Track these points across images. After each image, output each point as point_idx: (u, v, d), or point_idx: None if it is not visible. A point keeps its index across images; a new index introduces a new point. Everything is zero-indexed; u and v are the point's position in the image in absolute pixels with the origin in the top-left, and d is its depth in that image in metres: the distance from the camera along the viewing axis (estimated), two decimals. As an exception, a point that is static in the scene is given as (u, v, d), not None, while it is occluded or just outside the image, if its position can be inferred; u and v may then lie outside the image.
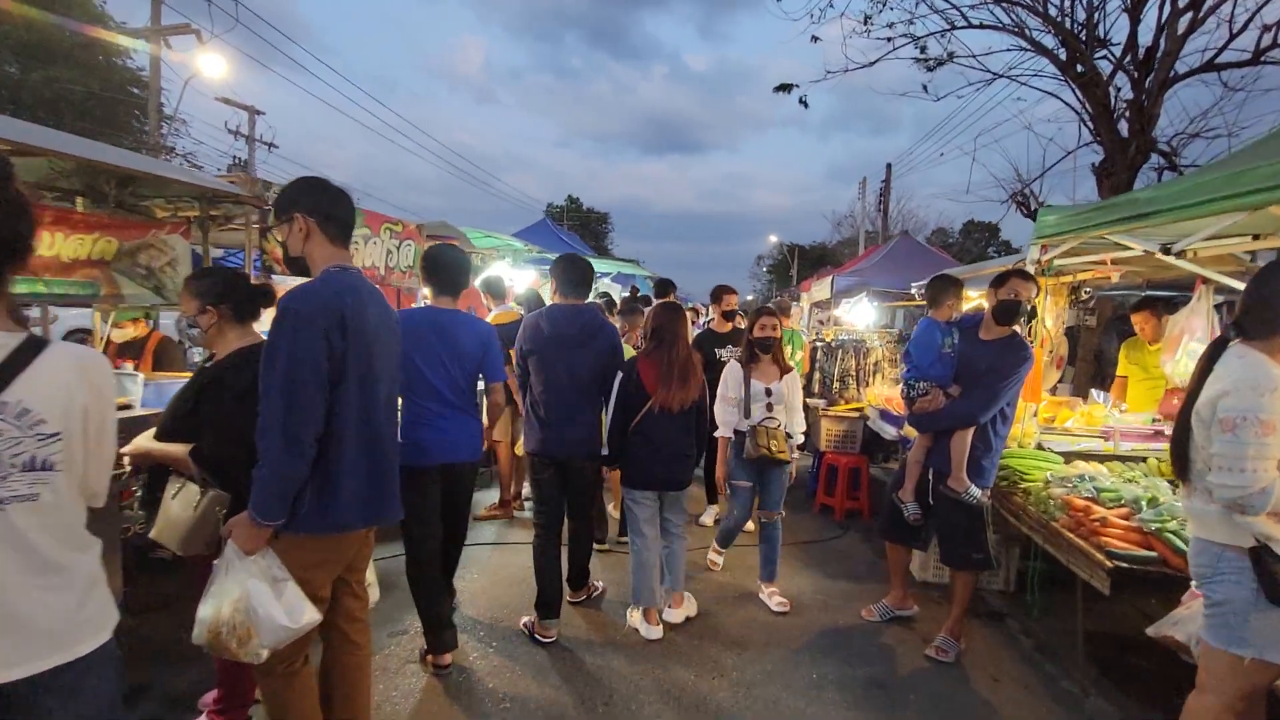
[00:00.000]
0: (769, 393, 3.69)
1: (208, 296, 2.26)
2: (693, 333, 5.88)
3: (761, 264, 60.45)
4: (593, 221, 52.13)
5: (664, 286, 6.70)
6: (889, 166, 20.71)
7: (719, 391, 3.78)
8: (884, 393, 5.74)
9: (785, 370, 3.80)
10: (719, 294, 5.38)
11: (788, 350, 4.95)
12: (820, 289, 9.87)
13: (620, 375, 3.27)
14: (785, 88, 10.75)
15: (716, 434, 3.76)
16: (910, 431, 3.98)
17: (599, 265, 8.58)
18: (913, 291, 7.26)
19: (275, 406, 1.77)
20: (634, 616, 3.44)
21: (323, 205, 2.00)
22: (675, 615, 3.49)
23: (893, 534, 3.62)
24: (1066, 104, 10.21)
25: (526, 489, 5.56)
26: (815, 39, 10.21)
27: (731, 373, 3.80)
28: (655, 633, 3.32)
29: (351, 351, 1.90)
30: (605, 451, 3.30)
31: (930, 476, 3.35)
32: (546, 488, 3.30)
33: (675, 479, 3.37)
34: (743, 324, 5.12)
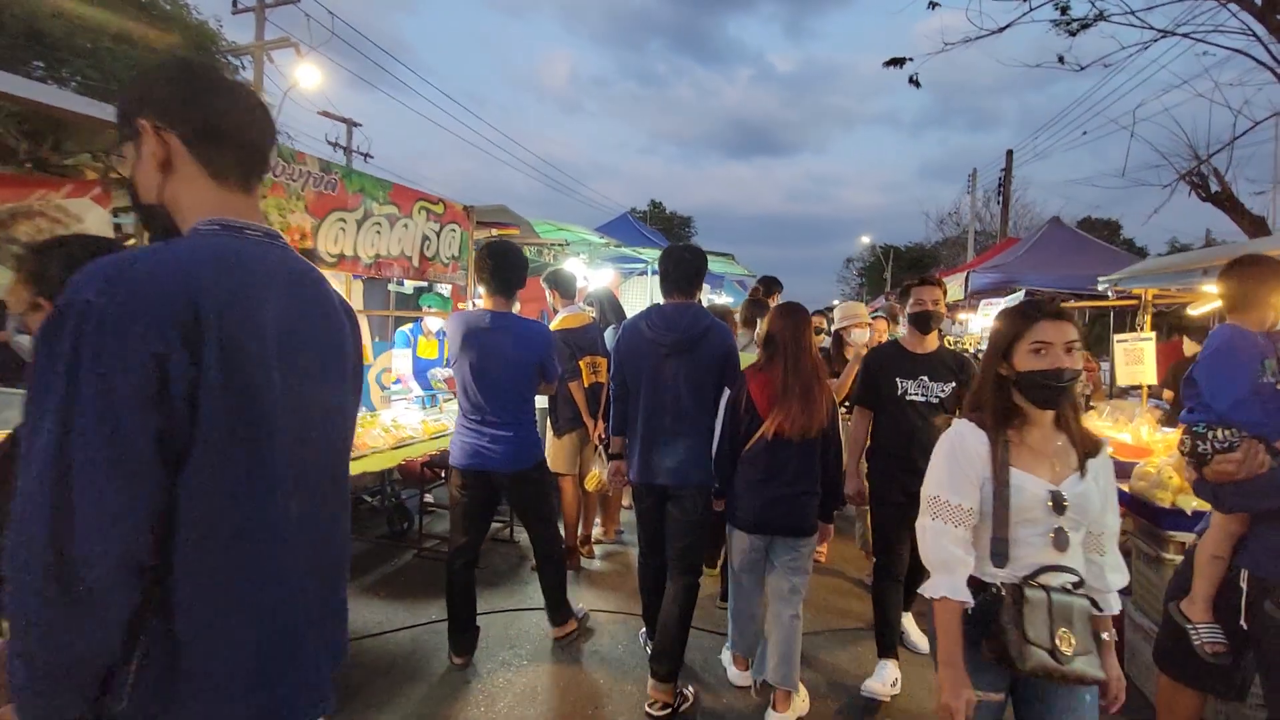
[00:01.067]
0: (1057, 501, 1.56)
1: (47, 284, 1.33)
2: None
3: (851, 266, 57.60)
4: (676, 226, 51.11)
5: (769, 285, 5.49)
6: (1010, 154, 18.41)
7: (925, 489, 1.68)
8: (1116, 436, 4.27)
9: (1087, 444, 1.64)
10: (908, 289, 3.07)
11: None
12: (950, 289, 8.31)
13: (728, 392, 2.71)
14: (897, 62, 9.36)
15: (928, 593, 1.61)
16: (1197, 503, 2.62)
17: None
18: (1102, 287, 5.68)
19: (36, 506, 0.80)
20: (726, 653, 3.08)
21: (194, 109, 1.02)
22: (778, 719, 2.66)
23: (1175, 667, 2.24)
24: (1260, 63, 8.28)
25: (597, 529, 4.56)
26: (934, 4, 8.78)
27: (959, 445, 1.64)
28: (742, 679, 2.94)
29: (224, 386, 0.91)
30: (715, 484, 2.74)
31: (1244, 583, 2.02)
32: (647, 522, 2.86)
33: (788, 522, 2.63)
34: (952, 343, 3.88)
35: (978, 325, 7.32)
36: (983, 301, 6.89)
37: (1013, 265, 7.53)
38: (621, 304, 4.92)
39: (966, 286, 7.35)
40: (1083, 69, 9.48)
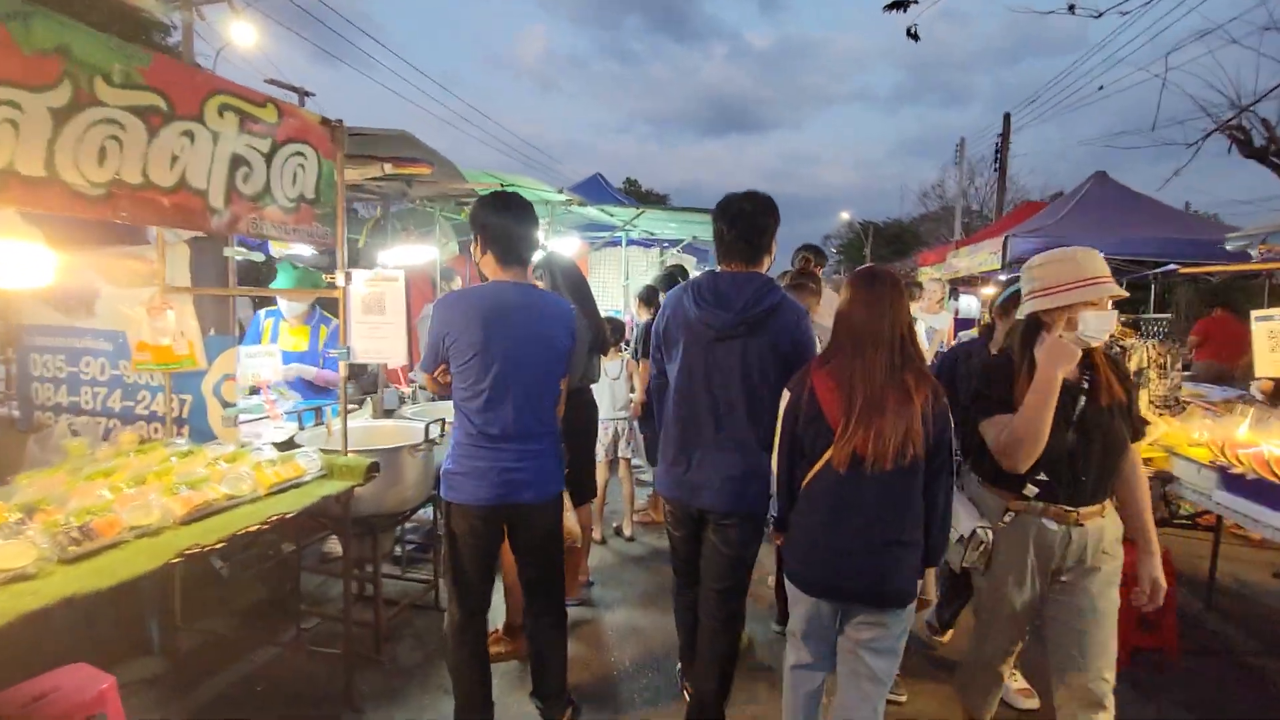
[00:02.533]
0: None
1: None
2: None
3: (830, 243, 56.67)
4: (651, 204, 49.47)
5: (816, 255, 4.09)
6: (1007, 118, 17.24)
7: None
8: (1222, 434, 3.05)
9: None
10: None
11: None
12: (973, 260, 7.07)
13: (788, 394, 1.89)
14: (899, 4, 8.11)
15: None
16: None
17: (662, 221, 6.02)
18: (1235, 246, 4.45)
19: None
20: None
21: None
22: None
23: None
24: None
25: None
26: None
27: None
28: None
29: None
30: (775, 514, 1.98)
31: None
32: (683, 552, 2.34)
33: (867, 586, 1.78)
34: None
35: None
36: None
37: (1057, 227, 6.31)
38: (588, 281, 3.57)
39: (1005, 254, 6.11)
40: (1099, 16, 8.28)
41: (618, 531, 4.59)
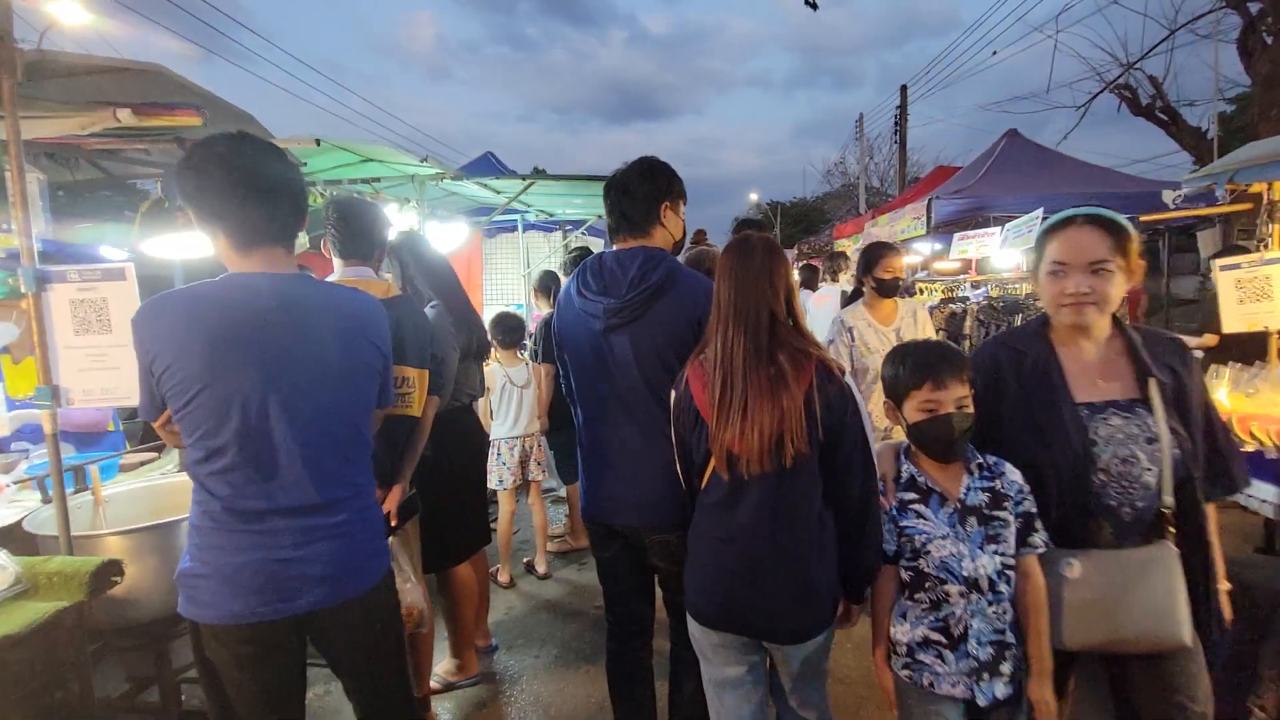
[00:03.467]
0: None
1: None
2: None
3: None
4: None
5: (744, 228, 3.46)
6: (904, 90, 17.49)
7: None
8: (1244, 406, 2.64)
9: None
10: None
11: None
12: (894, 227, 6.71)
13: (673, 393, 1.65)
14: None
15: None
16: None
17: (562, 197, 5.19)
18: (1172, 202, 4.16)
19: None
20: None
21: None
22: None
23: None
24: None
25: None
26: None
27: None
28: None
29: None
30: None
31: None
32: (610, 575, 2.00)
33: (754, 618, 1.51)
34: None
35: (950, 264, 5.69)
36: (956, 237, 5.25)
37: (978, 187, 6.01)
38: (454, 273, 2.77)
39: (930, 217, 5.73)
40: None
41: (530, 568, 3.83)
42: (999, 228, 5.21)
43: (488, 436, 2.85)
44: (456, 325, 2.53)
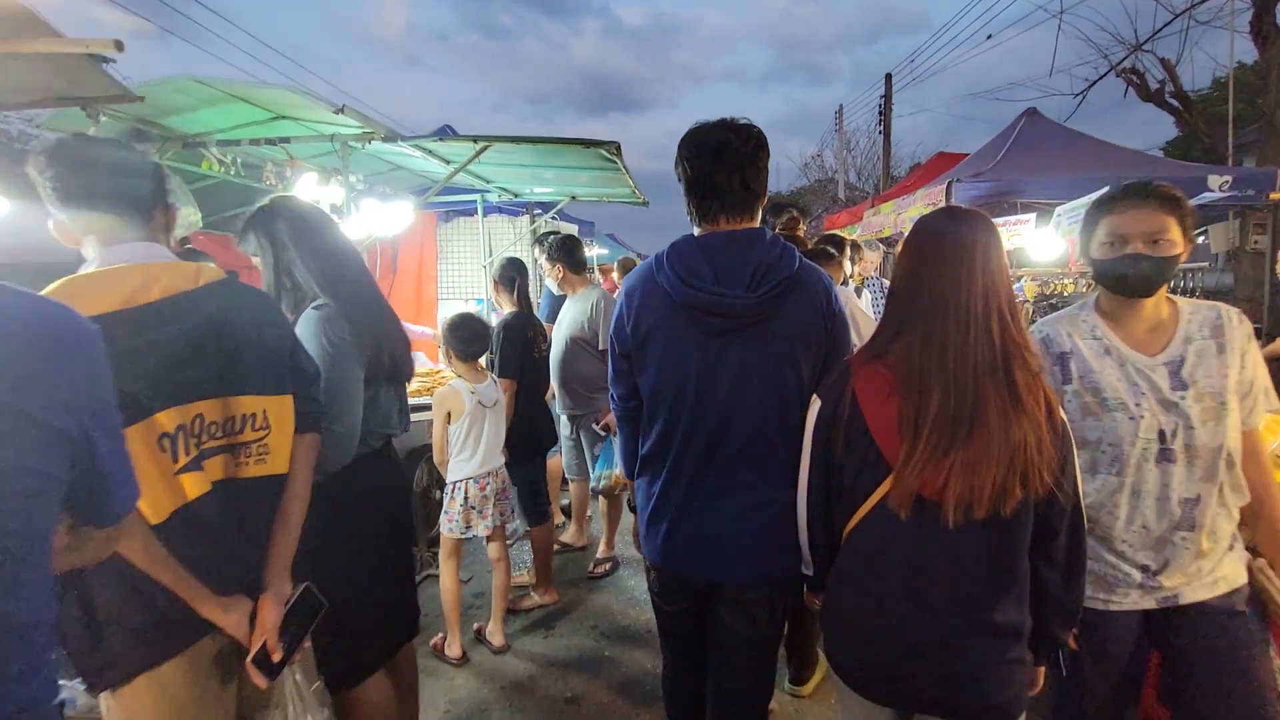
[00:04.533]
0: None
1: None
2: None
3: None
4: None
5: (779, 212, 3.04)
6: (889, 78, 16.92)
7: None
8: None
9: None
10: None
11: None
12: (900, 216, 6.01)
13: (817, 402, 1.34)
14: None
15: None
16: None
17: (529, 168, 4.25)
18: (1219, 188, 3.56)
19: None
20: None
21: None
22: None
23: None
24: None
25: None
26: None
27: None
28: None
29: None
30: (808, 570, 1.45)
31: None
32: (679, 635, 1.72)
33: (952, 693, 1.23)
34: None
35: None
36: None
37: (1000, 170, 5.34)
38: (361, 263, 1.94)
39: (949, 202, 5.03)
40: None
41: (481, 636, 3.02)
42: (1032, 215, 4.53)
43: (408, 486, 2.05)
44: (356, 335, 1.71)
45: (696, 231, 1.52)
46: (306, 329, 1.68)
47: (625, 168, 3.49)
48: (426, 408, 3.16)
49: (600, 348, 3.45)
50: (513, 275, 3.22)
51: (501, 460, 2.93)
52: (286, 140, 3.12)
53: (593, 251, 9.88)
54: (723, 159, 1.43)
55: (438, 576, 2.96)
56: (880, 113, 16.91)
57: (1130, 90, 8.67)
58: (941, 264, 1.18)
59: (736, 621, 1.55)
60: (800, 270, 1.44)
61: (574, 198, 5.14)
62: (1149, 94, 8.49)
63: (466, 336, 2.79)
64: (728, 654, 1.60)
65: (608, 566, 3.69)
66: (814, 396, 1.36)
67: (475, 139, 3.04)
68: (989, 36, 10.56)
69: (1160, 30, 8.04)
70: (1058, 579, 1.23)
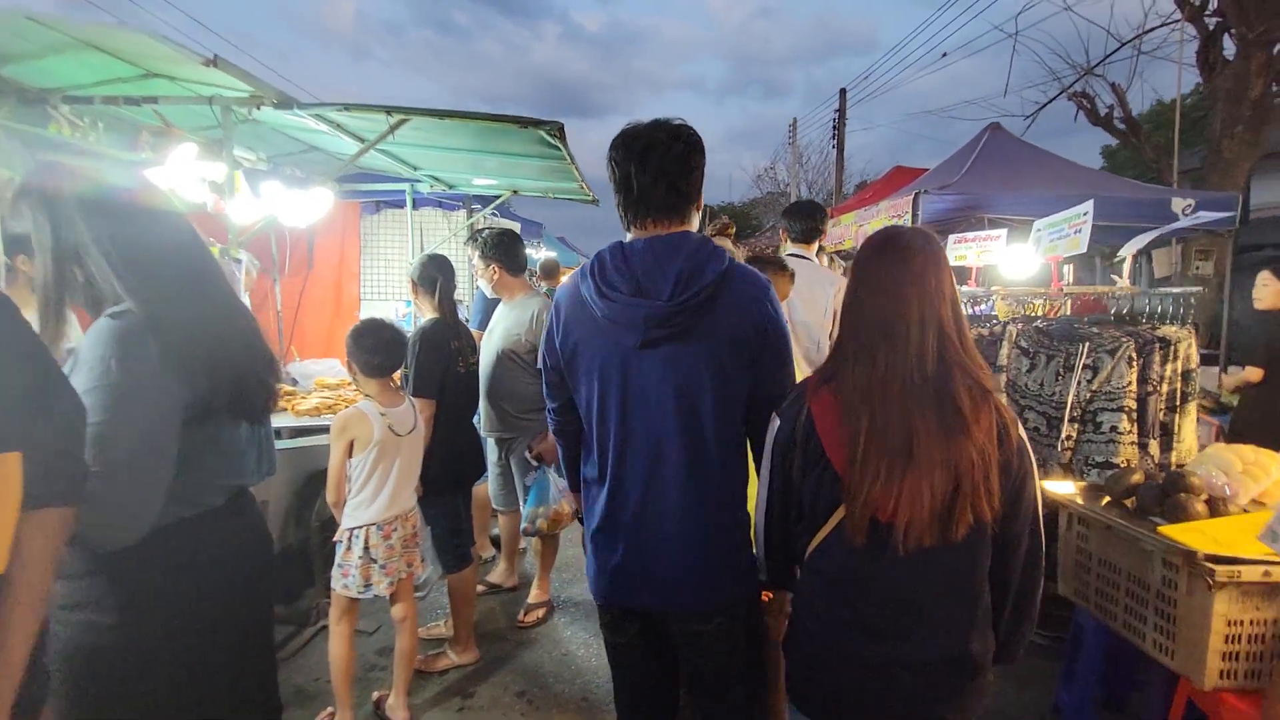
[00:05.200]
0: None
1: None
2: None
3: (669, 227, 57.93)
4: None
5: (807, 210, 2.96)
6: (843, 93, 17.04)
7: None
8: None
9: None
10: None
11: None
12: (862, 228, 5.77)
13: (776, 421, 1.33)
14: None
15: None
16: None
17: (463, 152, 3.67)
18: (1181, 212, 3.42)
19: None
20: None
21: None
22: None
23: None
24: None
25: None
26: None
27: None
28: None
29: None
30: (763, 575, 1.46)
31: None
32: (629, 668, 1.63)
33: (905, 718, 1.25)
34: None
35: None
36: (952, 239, 4.32)
37: (967, 184, 5.14)
38: (192, 260, 1.42)
39: (915, 217, 4.79)
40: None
41: (379, 709, 2.49)
42: (1003, 230, 4.31)
43: (266, 546, 1.53)
44: (172, 356, 1.21)
45: (627, 236, 1.47)
46: (92, 347, 1.17)
47: (571, 156, 3.04)
48: (325, 429, 2.62)
49: (538, 365, 2.98)
50: (434, 275, 2.71)
51: (413, 501, 2.42)
52: (153, 100, 2.53)
53: (540, 254, 9.37)
54: (648, 160, 1.38)
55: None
56: (834, 126, 17.01)
57: (1080, 114, 8.76)
58: (879, 284, 1.20)
59: (694, 655, 1.52)
60: (729, 275, 1.38)
61: (516, 192, 4.63)
62: (1098, 119, 8.60)
63: (372, 347, 2.27)
64: (701, 695, 1.57)
65: (541, 613, 3.21)
66: (773, 415, 1.32)
67: (388, 110, 2.52)
68: (944, 55, 10.60)
69: (1110, 56, 8.14)
70: (1007, 607, 1.26)
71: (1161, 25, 8.73)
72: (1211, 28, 8.02)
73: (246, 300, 2.63)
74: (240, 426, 1.43)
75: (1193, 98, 11.04)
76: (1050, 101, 9.12)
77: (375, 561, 2.28)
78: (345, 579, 2.27)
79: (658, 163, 1.38)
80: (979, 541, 1.17)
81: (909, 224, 4.94)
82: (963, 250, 4.47)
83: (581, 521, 1.64)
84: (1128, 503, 2.35)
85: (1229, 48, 7.68)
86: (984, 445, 1.12)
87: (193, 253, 1.38)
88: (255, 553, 1.49)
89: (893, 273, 1.19)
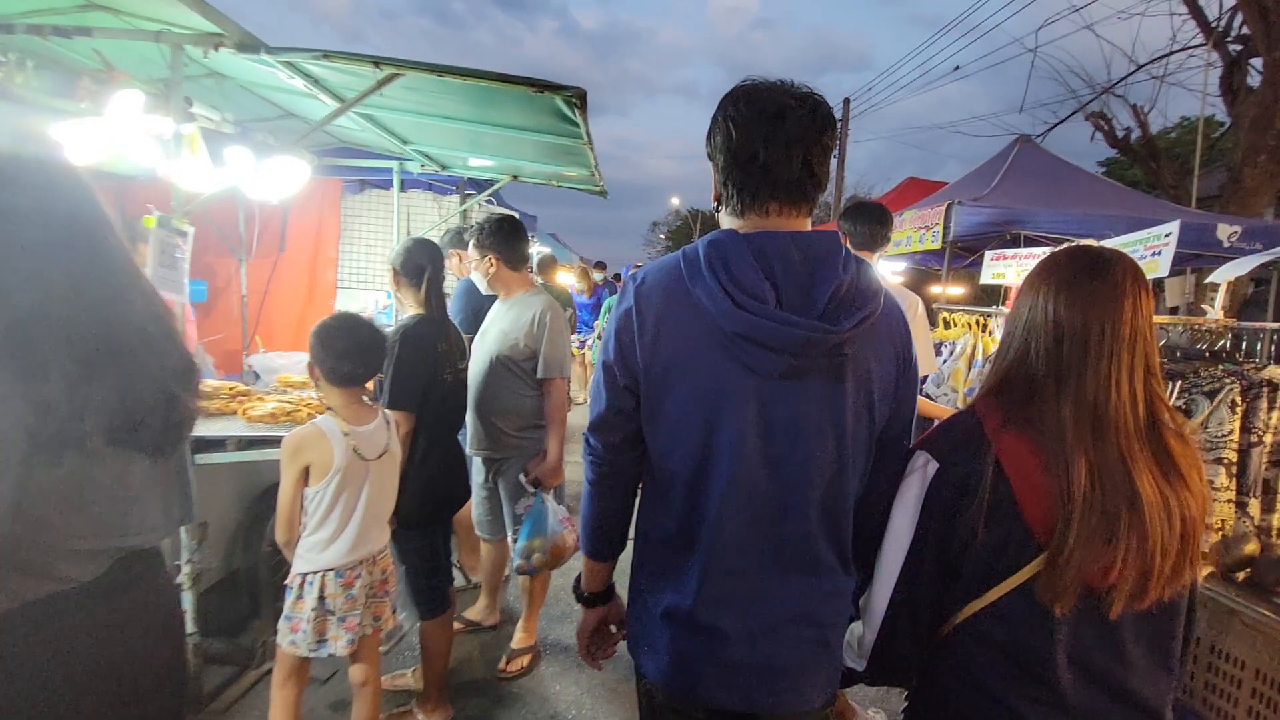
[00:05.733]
0: None
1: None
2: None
3: (658, 230, 58.07)
4: (472, 184, 45.53)
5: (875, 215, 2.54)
6: (847, 102, 16.79)
7: None
8: None
9: None
10: None
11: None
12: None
13: (932, 465, 1.11)
14: None
15: None
16: None
17: (460, 116, 3.11)
18: (1226, 239, 3.16)
19: None
20: None
21: None
22: None
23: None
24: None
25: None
26: None
27: None
28: None
29: None
30: (856, 664, 1.23)
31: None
32: None
33: None
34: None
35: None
36: (989, 256, 3.98)
37: (1000, 197, 4.82)
38: (73, 245, 1.43)
39: (947, 230, 4.43)
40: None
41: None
42: (1045, 249, 3.96)
43: (175, 629, 1.10)
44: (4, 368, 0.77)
45: (735, 224, 1.14)
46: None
47: (589, 134, 2.61)
48: (276, 442, 2.16)
49: (540, 375, 2.55)
50: (420, 263, 2.27)
51: (384, 540, 1.98)
52: (87, 33, 2.05)
53: (536, 249, 8.91)
54: (782, 128, 1.07)
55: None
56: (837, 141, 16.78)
57: (1096, 134, 8.53)
58: (1092, 310, 1.03)
59: None
60: (886, 298, 1.15)
61: (516, 177, 4.20)
62: (1115, 140, 8.37)
63: (344, 350, 1.82)
64: None
65: (525, 661, 2.78)
66: (918, 454, 1.13)
67: (377, 61, 2.07)
68: (956, 68, 10.36)
69: (1129, 76, 7.91)
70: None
71: (1182, 50, 8.53)
72: (1235, 53, 7.84)
73: (180, 287, 2.15)
74: (133, 462, 1.00)
75: (1208, 125, 10.92)
76: (1067, 119, 8.89)
77: (332, 614, 1.83)
78: (294, 634, 1.82)
79: (796, 131, 1.06)
80: (1183, 605, 1.06)
81: (938, 235, 4.59)
82: (1001, 268, 4.12)
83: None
84: (1238, 577, 1.99)
85: (1255, 76, 7.49)
86: (1203, 496, 1.02)
87: (68, 220, 0.95)
88: (151, 650, 1.05)
89: (1106, 300, 1.04)
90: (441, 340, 2.28)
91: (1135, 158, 8.28)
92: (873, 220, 2.53)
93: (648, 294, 1.13)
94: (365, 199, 4.77)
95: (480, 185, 4.80)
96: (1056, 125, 9.30)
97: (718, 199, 1.17)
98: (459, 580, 3.51)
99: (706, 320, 1.06)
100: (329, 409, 1.82)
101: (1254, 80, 7.54)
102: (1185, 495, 0.99)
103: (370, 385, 1.99)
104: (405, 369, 2.13)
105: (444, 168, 4.16)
